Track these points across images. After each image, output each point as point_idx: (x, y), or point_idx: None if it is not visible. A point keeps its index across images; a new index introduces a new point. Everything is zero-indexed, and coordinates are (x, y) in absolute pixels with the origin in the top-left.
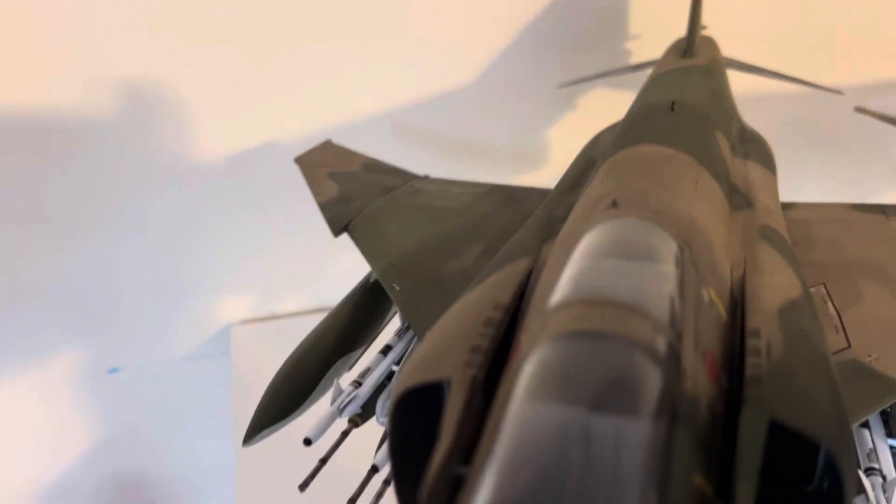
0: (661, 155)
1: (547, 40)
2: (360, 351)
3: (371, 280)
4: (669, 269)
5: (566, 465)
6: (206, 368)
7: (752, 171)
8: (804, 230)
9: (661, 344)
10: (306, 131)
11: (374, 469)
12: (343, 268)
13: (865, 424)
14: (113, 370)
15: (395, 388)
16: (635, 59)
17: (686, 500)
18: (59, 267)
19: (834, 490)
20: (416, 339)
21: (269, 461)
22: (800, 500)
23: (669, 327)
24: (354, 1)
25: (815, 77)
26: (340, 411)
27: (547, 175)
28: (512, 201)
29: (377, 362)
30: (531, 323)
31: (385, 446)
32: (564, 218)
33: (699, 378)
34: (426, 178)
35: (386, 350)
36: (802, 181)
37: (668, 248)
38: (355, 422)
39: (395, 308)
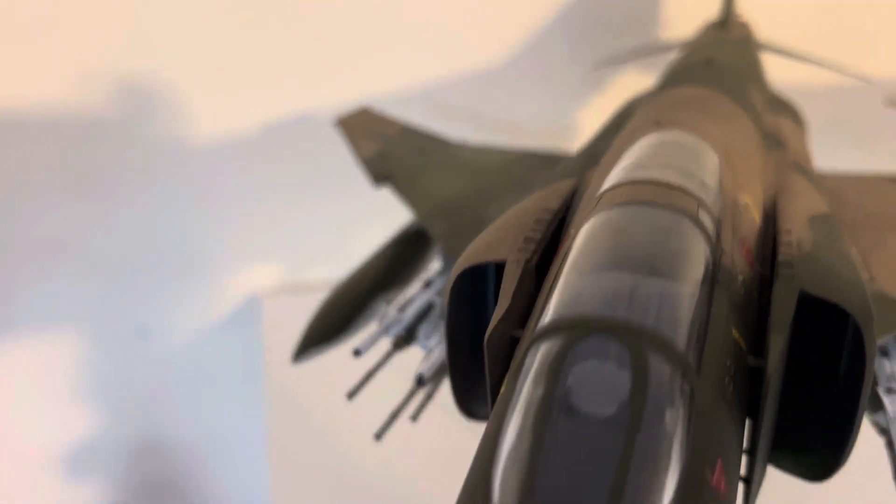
0: (699, 94)
1: (580, 23)
2: (397, 292)
3: (409, 230)
4: (711, 169)
5: (614, 316)
6: (235, 336)
7: (784, 124)
8: (836, 194)
9: (705, 219)
10: (339, 105)
11: (420, 380)
12: (374, 241)
13: (885, 353)
14: (142, 332)
15: (454, 268)
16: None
17: (724, 346)
18: (99, 227)
19: (857, 363)
20: None
21: (301, 428)
22: (827, 374)
23: (711, 209)
24: None
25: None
26: (386, 330)
27: None
28: (548, 162)
29: (419, 294)
30: (580, 213)
31: (430, 357)
32: (605, 153)
33: (736, 258)
34: (463, 143)
35: (427, 284)
36: None
37: (709, 155)
38: (399, 344)
39: (432, 256)
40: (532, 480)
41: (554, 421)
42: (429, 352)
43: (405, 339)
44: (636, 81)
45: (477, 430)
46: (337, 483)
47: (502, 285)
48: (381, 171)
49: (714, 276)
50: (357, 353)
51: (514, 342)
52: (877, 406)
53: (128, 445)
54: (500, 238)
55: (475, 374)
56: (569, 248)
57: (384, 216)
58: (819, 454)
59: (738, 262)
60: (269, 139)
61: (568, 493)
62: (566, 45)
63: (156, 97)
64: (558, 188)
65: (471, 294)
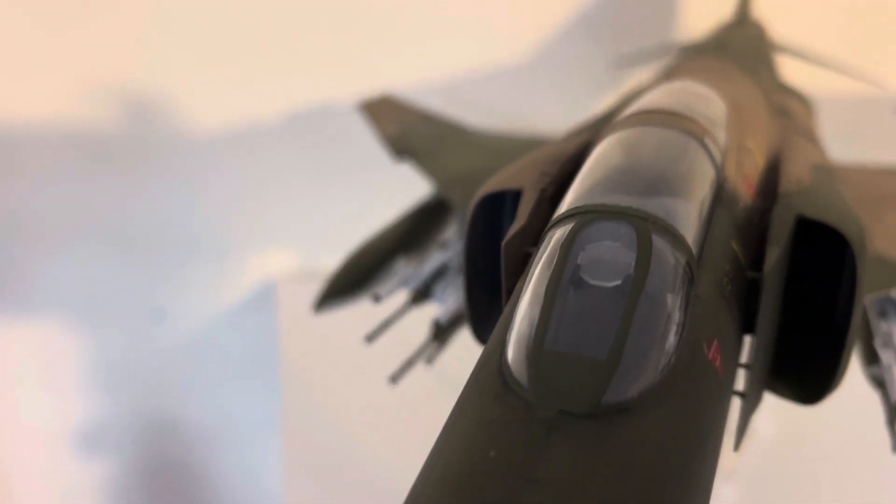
0: (711, 64)
1: (599, 22)
2: (416, 254)
3: (428, 202)
4: (717, 111)
5: (623, 204)
6: (250, 321)
7: (792, 104)
8: (839, 173)
9: (710, 145)
10: (359, 95)
11: (437, 326)
12: None
13: (882, 314)
14: (159, 314)
15: (475, 195)
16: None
17: (723, 252)
18: (120, 209)
19: (851, 295)
20: None
21: (314, 413)
22: (824, 311)
23: (717, 140)
24: None
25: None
26: (405, 282)
27: None
28: None
29: (436, 254)
30: (593, 149)
31: (446, 305)
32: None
33: (739, 188)
34: (480, 129)
35: (444, 246)
36: None
37: (717, 101)
38: (416, 298)
39: (449, 225)
40: (541, 336)
41: (563, 290)
42: (445, 301)
43: (422, 293)
44: None
45: None
46: (349, 468)
47: (519, 208)
48: (401, 147)
49: (717, 195)
50: (377, 298)
51: (527, 257)
52: (872, 359)
53: (141, 426)
54: (519, 171)
55: (490, 301)
56: (582, 167)
57: (400, 206)
58: (813, 380)
59: (741, 192)
60: (289, 127)
61: (574, 346)
62: (585, 45)
63: (182, 82)
64: (574, 139)
65: (488, 226)
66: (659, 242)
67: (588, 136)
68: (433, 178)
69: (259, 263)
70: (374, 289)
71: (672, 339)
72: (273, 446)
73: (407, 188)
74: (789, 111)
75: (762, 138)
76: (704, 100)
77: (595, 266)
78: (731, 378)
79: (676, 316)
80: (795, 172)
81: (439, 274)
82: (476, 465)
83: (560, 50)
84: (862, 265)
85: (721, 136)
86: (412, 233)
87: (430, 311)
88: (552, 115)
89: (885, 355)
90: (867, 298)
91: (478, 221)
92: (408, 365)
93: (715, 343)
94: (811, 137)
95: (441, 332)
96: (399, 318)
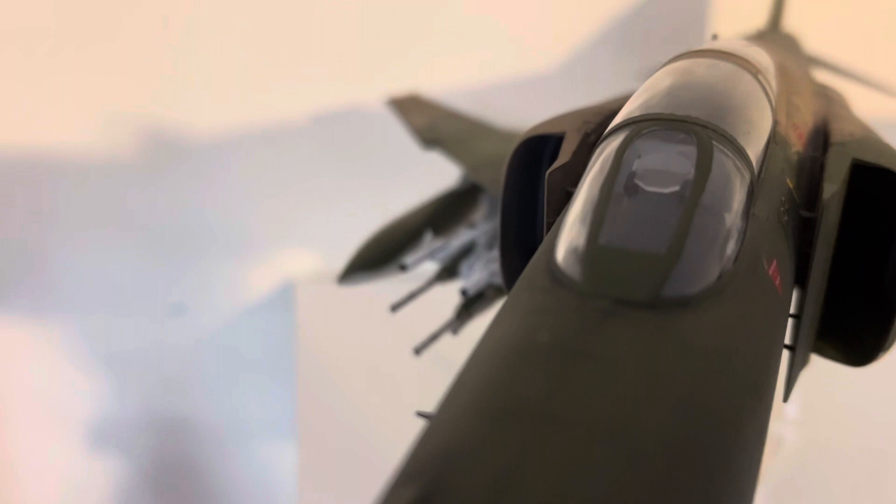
0: (753, 39)
1: (627, 34)
2: (444, 234)
3: (457, 188)
4: (767, 63)
5: (681, 114)
6: (269, 320)
7: (831, 92)
8: None
9: (763, 80)
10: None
11: (464, 294)
12: None
13: None
14: (177, 309)
15: (516, 140)
16: None
17: (779, 183)
18: (145, 202)
19: None
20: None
21: (330, 415)
22: (875, 255)
23: (770, 81)
24: None
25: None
26: (431, 254)
27: None
28: None
29: (464, 231)
30: None
31: (473, 274)
32: None
33: (790, 132)
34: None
35: (472, 225)
36: None
37: (766, 57)
38: (442, 276)
39: (477, 210)
40: (596, 231)
41: (618, 192)
42: (471, 277)
43: (448, 271)
44: None
45: None
46: (364, 471)
47: (562, 148)
48: (430, 137)
49: (772, 133)
50: (403, 267)
51: (569, 196)
52: None
53: (152, 422)
54: (561, 119)
55: (523, 263)
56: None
57: None
58: (862, 342)
59: (792, 138)
60: (314, 128)
61: (630, 241)
62: (614, 56)
63: (209, 80)
64: (617, 99)
65: (525, 183)
66: (721, 152)
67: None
68: (462, 162)
69: (279, 263)
70: (398, 264)
71: (733, 245)
72: (287, 449)
73: (431, 192)
74: (829, 94)
75: (808, 101)
76: (754, 50)
77: (651, 174)
78: (788, 305)
79: (737, 224)
80: (847, 128)
81: (466, 251)
82: (525, 347)
83: (589, 60)
84: None
85: (773, 81)
86: (441, 213)
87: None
88: None
89: None
90: None
91: (517, 165)
92: (433, 338)
93: (774, 263)
94: (853, 116)
95: (468, 304)
96: (424, 291)
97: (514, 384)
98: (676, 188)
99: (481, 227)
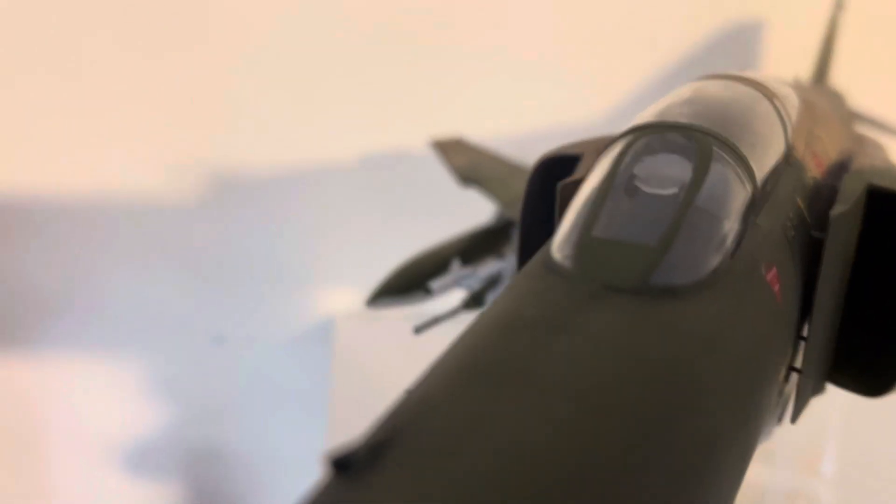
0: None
1: (677, 83)
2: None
3: (490, 224)
4: (789, 95)
5: (687, 122)
6: (305, 356)
7: (867, 139)
8: None
9: (779, 107)
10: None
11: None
12: None
13: None
14: (217, 340)
15: (538, 159)
16: None
17: (788, 201)
18: (192, 232)
19: None
20: None
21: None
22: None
23: (788, 110)
24: (497, 26)
25: None
26: (458, 281)
27: None
28: None
29: (493, 262)
30: None
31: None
32: None
33: (807, 159)
34: None
35: (500, 257)
36: None
37: (790, 90)
38: (468, 304)
39: (509, 246)
40: (590, 225)
41: (616, 190)
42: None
43: (475, 300)
44: None
45: None
46: None
47: (577, 166)
48: (469, 176)
49: (786, 154)
50: (430, 291)
51: None
52: None
53: (184, 451)
54: (582, 143)
55: None
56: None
57: None
58: (880, 372)
59: (810, 164)
60: (360, 169)
61: (623, 234)
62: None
63: (260, 122)
64: None
65: (544, 205)
66: (722, 159)
67: None
68: (498, 199)
69: (320, 299)
70: (426, 293)
71: (729, 244)
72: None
73: None
74: (864, 140)
75: (836, 138)
76: (776, 81)
77: (652, 177)
78: (791, 315)
79: (735, 227)
80: (870, 162)
81: (494, 282)
82: (511, 320)
83: (635, 111)
84: None
85: (791, 109)
86: (472, 246)
87: None
88: None
89: None
90: None
91: (534, 192)
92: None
93: (774, 270)
94: (885, 157)
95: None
96: (450, 318)
97: (495, 349)
98: (675, 190)
99: (510, 259)
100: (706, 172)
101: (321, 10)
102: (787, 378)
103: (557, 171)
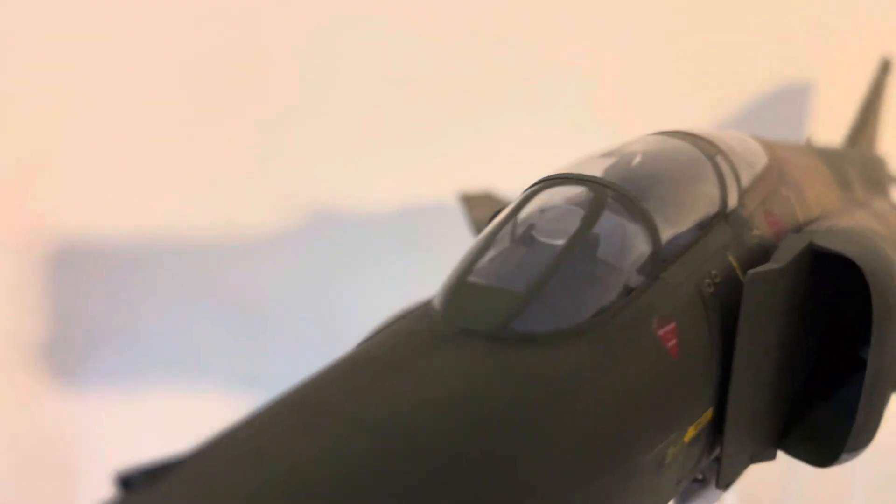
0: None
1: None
2: None
3: None
4: (752, 151)
5: (592, 175)
6: None
7: (879, 202)
8: None
9: (724, 166)
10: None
11: None
12: None
13: None
14: (251, 379)
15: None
16: None
17: (713, 258)
18: (234, 273)
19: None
20: None
21: None
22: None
23: (736, 168)
24: (535, 78)
25: None
26: None
27: None
28: None
29: None
30: None
31: None
32: None
33: (757, 219)
34: None
35: None
36: None
37: (755, 146)
38: None
39: None
40: (467, 271)
41: (503, 237)
42: None
43: None
44: None
45: None
46: None
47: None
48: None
49: (721, 212)
50: None
51: None
52: None
53: None
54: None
55: None
56: None
57: None
58: (832, 440)
59: (758, 223)
60: (396, 220)
61: (496, 280)
62: None
63: (304, 168)
64: None
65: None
66: (620, 211)
67: None
68: None
69: (352, 345)
70: None
71: (614, 296)
72: None
73: None
74: (870, 204)
75: (809, 197)
76: (737, 138)
77: (548, 227)
78: (697, 372)
79: (626, 280)
80: (830, 223)
81: None
82: (358, 359)
83: None
84: (880, 300)
85: (744, 168)
86: None
87: None
88: None
89: None
90: None
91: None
92: None
93: (672, 326)
94: (878, 209)
95: None
96: None
97: (327, 384)
98: (564, 240)
99: None
100: (592, 224)
101: (371, 67)
102: (701, 439)
103: None
